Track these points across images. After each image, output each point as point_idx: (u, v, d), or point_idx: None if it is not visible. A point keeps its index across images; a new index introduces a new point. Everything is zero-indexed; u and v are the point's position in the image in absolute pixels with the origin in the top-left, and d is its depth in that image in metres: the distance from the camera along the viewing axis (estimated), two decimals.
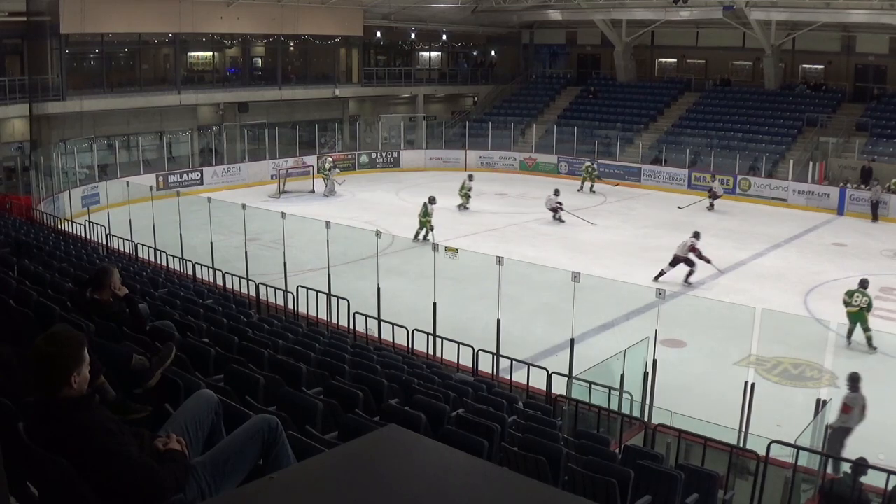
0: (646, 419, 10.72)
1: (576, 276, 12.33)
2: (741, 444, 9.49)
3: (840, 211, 30.72)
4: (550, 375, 11.05)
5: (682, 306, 17.56)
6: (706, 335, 15.94)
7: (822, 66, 39.98)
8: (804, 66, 40.34)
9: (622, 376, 11.40)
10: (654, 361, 11.58)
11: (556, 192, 27.59)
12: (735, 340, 15.05)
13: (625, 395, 11.13)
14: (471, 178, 30.03)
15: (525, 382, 11.60)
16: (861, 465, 8.34)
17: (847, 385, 11.27)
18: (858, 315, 15.49)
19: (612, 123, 39.44)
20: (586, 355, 12.61)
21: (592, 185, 34.00)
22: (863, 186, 31.19)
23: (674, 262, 20.16)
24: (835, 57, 39.28)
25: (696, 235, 20.49)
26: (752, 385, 10.84)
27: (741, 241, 25.13)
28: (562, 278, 13.27)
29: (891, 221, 29.18)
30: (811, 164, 33.25)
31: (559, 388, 11.01)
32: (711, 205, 30.50)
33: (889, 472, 7.93)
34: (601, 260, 22.01)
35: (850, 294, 15.79)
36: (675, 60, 44.26)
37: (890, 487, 7.84)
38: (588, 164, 34.67)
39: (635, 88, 43.14)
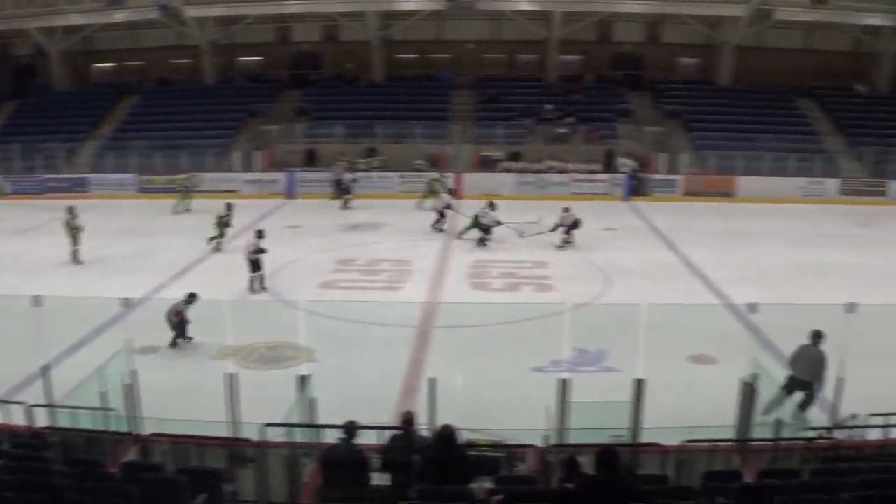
0: (136, 432, 10.37)
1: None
2: (236, 436, 9.62)
3: (290, 194, 32.43)
4: (31, 409, 10.17)
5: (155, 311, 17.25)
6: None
7: (260, 58, 41.68)
8: (242, 58, 41.66)
9: (103, 393, 10.86)
10: (134, 372, 11.21)
11: None
12: (212, 334, 15.22)
13: (111, 412, 10.63)
14: None
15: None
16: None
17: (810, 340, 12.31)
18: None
19: (55, 135, 36.94)
20: (69, 378, 11.79)
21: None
22: (310, 169, 33.63)
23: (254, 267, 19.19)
24: (271, 47, 41.24)
25: (260, 234, 19.45)
26: (235, 375, 10.99)
27: (197, 237, 24.84)
28: None
29: (353, 198, 31.42)
30: (256, 153, 34.68)
31: (43, 420, 10.21)
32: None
33: (380, 428, 8.64)
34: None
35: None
36: (115, 64, 43.12)
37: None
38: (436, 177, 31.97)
39: (74, 96, 41.22)
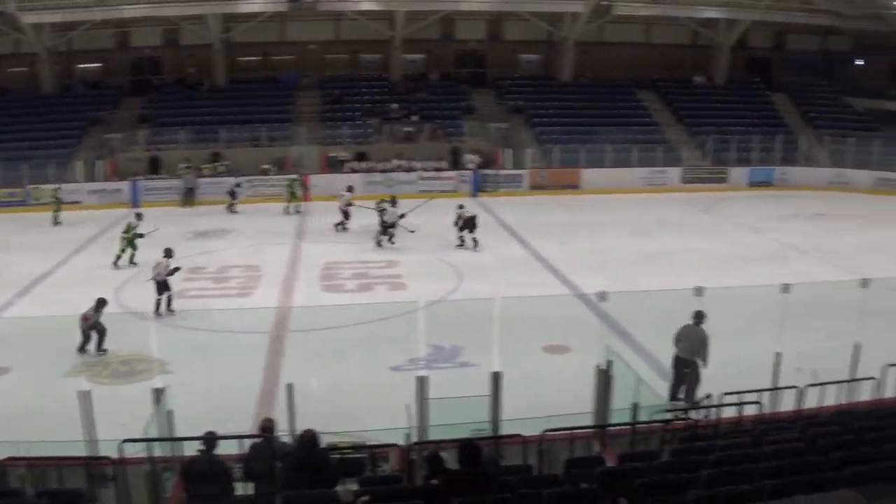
0: None
1: None
2: (95, 454, 9.36)
3: (135, 202, 31.43)
4: None
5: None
6: (29, 356, 15.19)
7: (99, 64, 40.18)
8: (81, 65, 40.07)
9: None
10: None
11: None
12: (64, 355, 14.81)
13: None
14: None
15: None
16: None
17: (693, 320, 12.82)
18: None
19: None
20: None
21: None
22: (154, 177, 32.71)
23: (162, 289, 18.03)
24: (110, 53, 39.82)
25: (168, 254, 18.41)
26: (88, 392, 10.68)
27: (46, 250, 24.24)
28: None
29: (200, 205, 31.09)
30: (99, 162, 33.47)
31: None
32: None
33: (241, 437, 8.57)
34: None
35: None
36: None
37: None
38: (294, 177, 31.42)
39: None
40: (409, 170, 34.56)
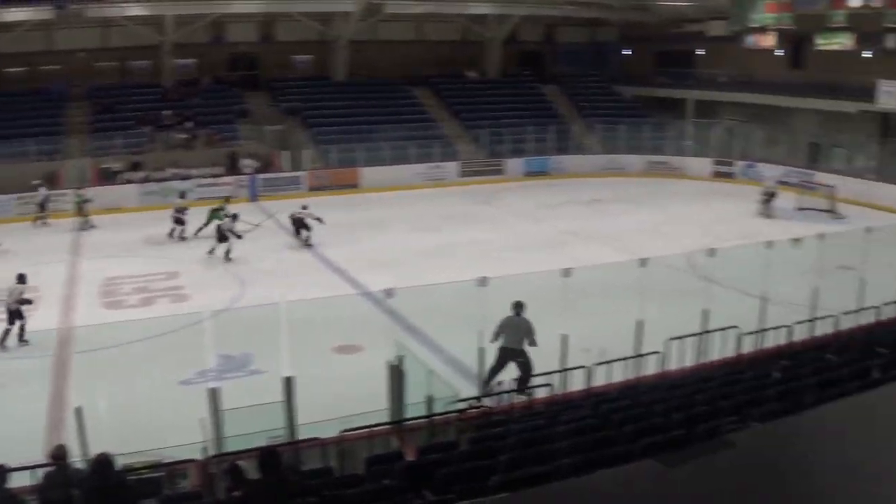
0: None
1: None
2: None
3: None
4: None
5: None
6: None
7: None
8: None
9: None
10: None
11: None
12: None
13: None
14: None
15: None
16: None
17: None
18: None
19: None
20: None
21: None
22: None
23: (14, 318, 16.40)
24: None
25: (22, 279, 16.72)
26: None
27: None
28: None
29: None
30: None
31: None
32: None
33: (33, 467, 8.32)
34: None
35: None
36: None
37: None
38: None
39: None
40: (186, 178, 33.60)
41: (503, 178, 37.55)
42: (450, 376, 13.17)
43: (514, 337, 13.22)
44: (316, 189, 34.66)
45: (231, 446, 9.77)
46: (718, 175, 37.79)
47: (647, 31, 45.37)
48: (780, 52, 37.74)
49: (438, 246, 24.68)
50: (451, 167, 37.37)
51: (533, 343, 13.12)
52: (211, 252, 24.05)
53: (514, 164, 38.23)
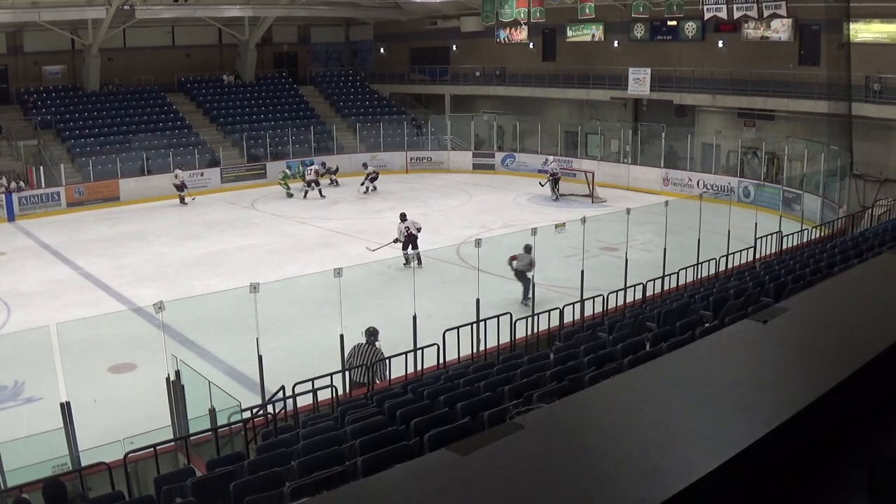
0: None
1: None
2: None
3: None
4: None
5: None
6: None
7: None
8: None
9: None
10: None
11: None
12: None
13: None
14: None
15: None
16: None
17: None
18: None
19: None
20: None
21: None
22: None
23: None
24: None
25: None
26: None
27: None
28: None
29: None
30: None
31: None
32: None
33: None
34: None
35: None
36: None
37: None
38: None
39: None
40: None
41: (266, 182, 37.65)
42: (229, 386, 13.06)
43: (524, 263, 15.99)
44: (75, 204, 33.62)
45: (13, 480, 9.35)
46: (479, 167, 39.81)
47: (401, 29, 46.71)
48: (532, 45, 40.20)
49: (206, 254, 24.75)
50: (213, 174, 37.12)
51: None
52: None
53: (275, 168, 38.27)
